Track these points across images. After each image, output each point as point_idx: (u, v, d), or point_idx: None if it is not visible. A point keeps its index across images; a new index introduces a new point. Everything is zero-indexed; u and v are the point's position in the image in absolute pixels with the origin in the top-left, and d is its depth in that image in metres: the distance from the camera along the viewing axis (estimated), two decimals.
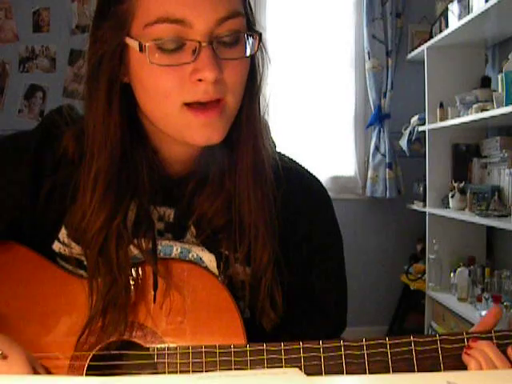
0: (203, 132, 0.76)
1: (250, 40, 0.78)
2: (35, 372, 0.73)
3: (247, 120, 0.83)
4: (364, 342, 0.75)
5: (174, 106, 0.75)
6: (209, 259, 0.84)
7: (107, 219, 0.79)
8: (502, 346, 0.74)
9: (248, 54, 0.78)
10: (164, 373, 0.75)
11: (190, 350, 0.75)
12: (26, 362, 0.72)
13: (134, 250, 0.82)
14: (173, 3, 0.72)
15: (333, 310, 0.92)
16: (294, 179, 0.90)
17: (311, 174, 0.94)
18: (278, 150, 0.93)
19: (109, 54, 0.77)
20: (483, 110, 2.73)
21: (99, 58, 0.77)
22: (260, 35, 0.79)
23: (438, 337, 0.75)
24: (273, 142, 0.92)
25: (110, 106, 0.78)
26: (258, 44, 0.79)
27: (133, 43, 0.75)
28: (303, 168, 0.94)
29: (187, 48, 0.73)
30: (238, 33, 0.76)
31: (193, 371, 0.74)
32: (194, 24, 0.72)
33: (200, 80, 0.73)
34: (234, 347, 0.75)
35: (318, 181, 0.95)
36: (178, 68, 0.74)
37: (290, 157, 0.94)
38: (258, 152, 0.84)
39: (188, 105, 0.75)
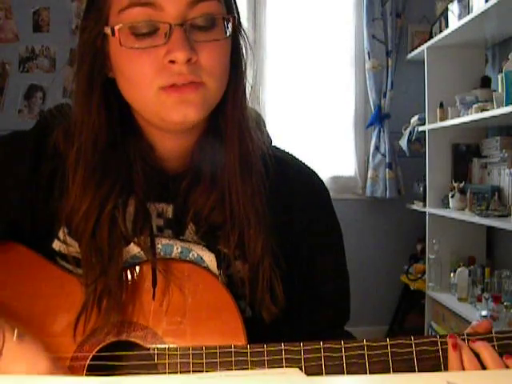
0: (179, 109, 0.76)
1: (230, 24, 0.79)
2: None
3: (232, 108, 0.83)
4: (364, 343, 0.75)
5: (150, 89, 0.76)
6: (209, 258, 0.84)
7: (93, 204, 0.79)
8: (502, 347, 0.74)
9: (226, 35, 0.78)
10: (164, 373, 0.75)
11: (191, 351, 0.75)
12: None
13: (135, 249, 0.82)
14: None
15: (335, 299, 0.92)
16: (288, 170, 0.90)
17: (307, 166, 0.94)
18: (276, 146, 0.93)
19: (90, 43, 0.79)
20: (483, 110, 2.73)
21: (83, 47, 0.80)
22: (234, 18, 0.79)
23: (438, 338, 0.75)
24: (268, 136, 0.92)
25: (91, 93, 0.80)
26: (233, 27, 0.79)
27: (108, 30, 0.77)
28: (298, 160, 0.94)
29: (160, 32, 0.75)
30: (211, 15, 0.76)
31: (193, 371, 0.74)
32: (164, 7, 0.73)
33: (173, 62, 0.74)
34: (234, 348, 0.75)
35: (314, 172, 0.95)
36: (151, 51, 0.75)
37: (287, 151, 0.94)
38: (244, 141, 0.84)
39: (164, 88, 0.76)
